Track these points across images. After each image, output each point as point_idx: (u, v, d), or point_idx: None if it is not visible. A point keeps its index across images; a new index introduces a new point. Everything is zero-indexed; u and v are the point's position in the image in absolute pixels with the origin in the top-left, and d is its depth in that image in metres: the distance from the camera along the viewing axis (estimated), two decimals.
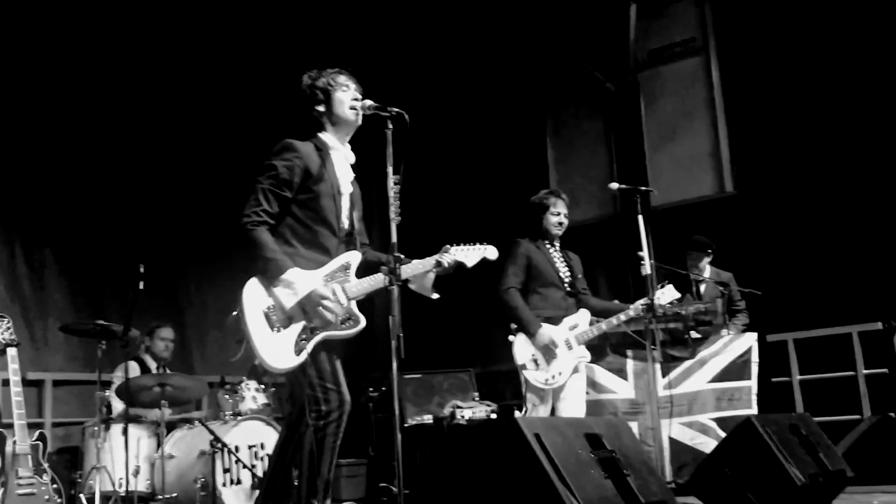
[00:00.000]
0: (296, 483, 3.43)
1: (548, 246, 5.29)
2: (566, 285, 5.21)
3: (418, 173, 4.27)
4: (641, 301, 5.19)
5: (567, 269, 5.25)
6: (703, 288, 7.04)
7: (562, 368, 5.00)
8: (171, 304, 7.84)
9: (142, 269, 5.35)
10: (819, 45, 7.71)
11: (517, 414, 5.40)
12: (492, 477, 2.67)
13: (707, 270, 6.96)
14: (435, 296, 3.75)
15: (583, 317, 5.19)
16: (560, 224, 5.32)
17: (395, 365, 3.23)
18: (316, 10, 7.99)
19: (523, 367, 4.96)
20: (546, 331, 5.00)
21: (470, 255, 3.85)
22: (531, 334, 4.98)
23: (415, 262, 3.65)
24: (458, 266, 3.82)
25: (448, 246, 3.75)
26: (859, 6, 7.52)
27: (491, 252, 3.96)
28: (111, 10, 7.31)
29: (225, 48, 8.08)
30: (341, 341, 3.55)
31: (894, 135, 7.30)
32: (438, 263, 3.66)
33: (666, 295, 5.31)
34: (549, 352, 4.96)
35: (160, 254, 7.47)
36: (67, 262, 7.15)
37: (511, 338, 5.15)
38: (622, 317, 5.18)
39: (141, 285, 5.34)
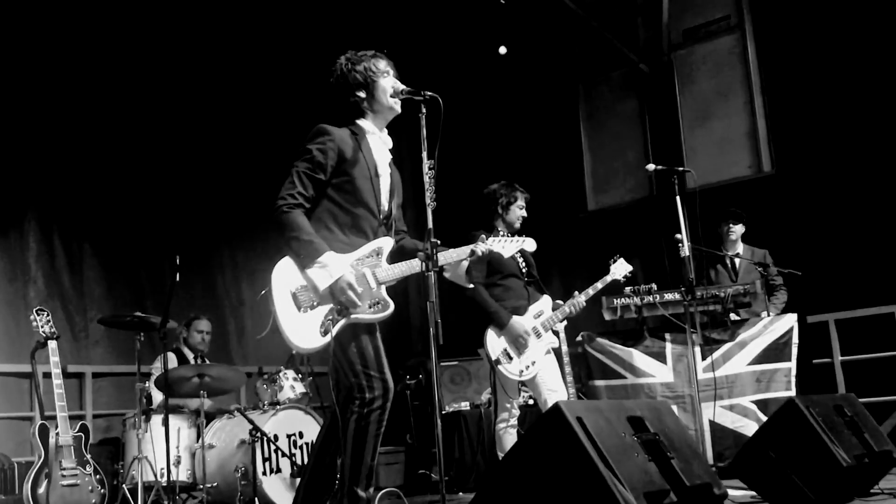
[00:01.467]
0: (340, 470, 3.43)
1: (504, 236, 5.25)
2: (524, 275, 5.19)
3: (452, 160, 4.26)
4: (579, 298, 5.19)
5: (523, 259, 5.21)
6: (737, 263, 6.94)
7: (534, 357, 4.96)
8: (208, 296, 7.89)
9: (178, 261, 5.38)
10: (857, 20, 7.55)
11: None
12: (534, 462, 2.64)
13: (740, 247, 6.87)
14: (469, 284, 3.73)
15: (545, 303, 5.16)
16: (521, 218, 5.32)
17: (434, 352, 3.21)
18: None
19: (497, 361, 4.90)
20: (518, 320, 4.97)
21: (507, 246, 3.87)
22: (502, 325, 4.93)
23: (450, 250, 3.63)
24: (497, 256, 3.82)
25: (483, 234, 3.73)
26: None
27: (529, 244, 3.99)
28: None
29: (258, 34, 8.07)
30: (398, 327, 3.55)
31: None
32: (473, 252, 3.64)
33: (619, 269, 5.32)
34: (519, 342, 4.92)
35: (197, 245, 7.55)
36: (106, 255, 7.22)
37: (480, 350, 5.08)
38: (567, 309, 5.15)
39: (178, 277, 5.37)
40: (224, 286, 8.14)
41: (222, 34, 7.91)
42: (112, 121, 7.35)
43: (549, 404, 4.92)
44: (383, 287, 3.51)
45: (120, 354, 7.09)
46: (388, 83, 3.60)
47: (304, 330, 3.36)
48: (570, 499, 2.48)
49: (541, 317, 5.09)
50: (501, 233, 5.17)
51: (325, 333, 3.35)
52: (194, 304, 7.08)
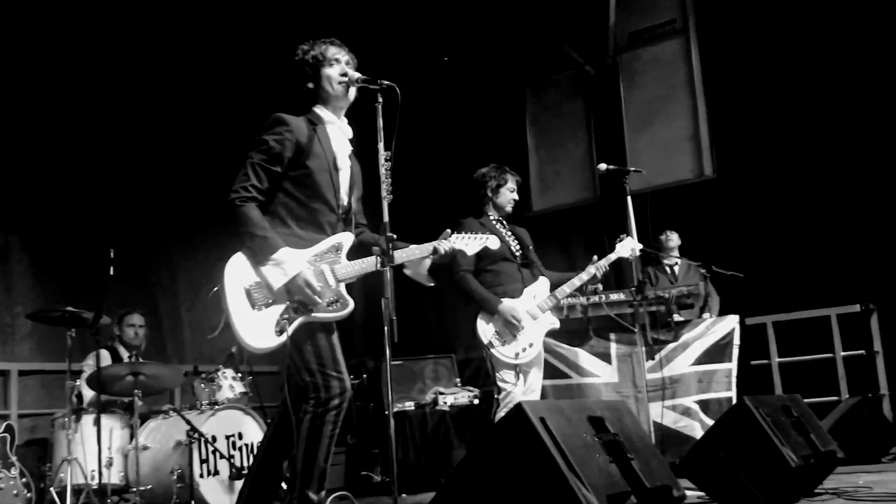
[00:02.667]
0: (288, 475, 3.30)
1: (494, 221, 5.13)
2: (518, 258, 5.07)
3: (408, 153, 4.16)
4: (599, 262, 5.08)
5: (516, 241, 5.11)
6: (677, 270, 7.11)
7: (532, 339, 4.86)
8: (143, 291, 7.61)
9: (112, 255, 5.18)
10: (799, 27, 7.71)
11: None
12: (496, 462, 2.56)
13: (676, 255, 7.07)
14: (431, 283, 3.62)
15: (542, 285, 5.05)
16: (513, 201, 5.21)
17: (388, 350, 3.12)
18: None
19: (490, 345, 4.79)
20: (508, 304, 4.85)
21: (471, 243, 3.76)
22: (492, 311, 4.83)
23: (412, 246, 3.52)
24: (459, 254, 3.73)
25: (448, 231, 3.62)
26: None
27: (493, 241, 3.87)
28: None
29: (211, 17, 7.79)
30: (343, 325, 3.43)
31: (873, 118, 7.32)
32: (435, 250, 3.54)
33: (626, 246, 5.18)
34: (511, 326, 4.80)
35: (131, 238, 7.25)
36: (35, 248, 6.91)
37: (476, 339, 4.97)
38: (584, 276, 5.05)
39: (111, 271, 5.17)
40: (160, 282, 7.87)
41: (166, 16, 7.61)
42: (43, 108, 7.03)
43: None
44: (342, 284, 3.39)
45: (49, 351, 6.79)
46: (336, 71, 3.48)
47: (259, 329, 3.23)
48: (533, 500, 2.41)
49: (536, 298, 4.97)
50: (492, 218, 5.12)
51: (280, 333, 3.22)
52: (128, 299, 6.81)
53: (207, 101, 7.98)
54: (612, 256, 5.14)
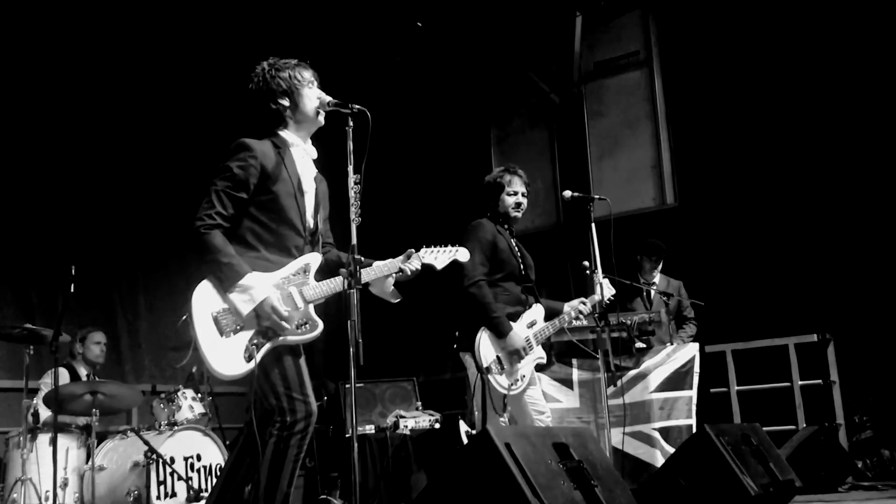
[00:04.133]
0: (249, 499, 3.26)
1: (506, 230, 4.80)
2: (522, 278, 4.75)
3: (377, 176, 4.15)
4: (588, 299, 4.95)
5: (521, 259, 4.79)
6: (651, 294, 7.09)
7: (524, 372, 4.57)
8: (102, 310, 7.48)
9: (73, 272, 5.12)
10: (759, 59, 7.88)
11: (463, 425, 5.21)
12: (461, 487, 2.57)
13: (657, 277, 7.03)
14: (397, 299, 3.60)
15: (539, 313, 4.76)
16: (518, 205, 4.80)
17: (353, 373, 3.10)
18: (269, 8, 7.80)
19: (488, 370, 4.42)
20: (518, 331, 4.54)
21: (440, 257, 3.69)
22: (502, 334, 4.47)
23: (377, 264, 3.50)
24: (427, 269, 3.64)
25: (412, 251, 3.60)
26: (798, 22, 7.69)
27: (462, 254, 3.78)
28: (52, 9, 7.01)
29: (172, 40, 7.81)
30: (305, 347, 3.41)
31: (831, 150, 7.49)
32: (402, 271, 3.52)
33: (605, 290, 5.02)
34: (516, 355, 4.51)
35: (92, 257, 7.17)
36: None
37: (463, 354, 4.66)
38: (573, 312, 4.85)
39: (72, 288, 5.10)
40: (119, 300, 7.75)
41: (132, 37, 7.61)
42: (8, 125, 6.94)
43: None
44: (311, 306, 3.38)
45: (5, 369, 6.66)
46: (314, 94, 3.49)
47: (228, 356, 3.20)
48: None
49: (534, 327, 4.68)
50: (505, 226, 4.78)
51: (249, 359, 3.20)
52: (86, 318, 6.71)
53: (174, 121, 7.97)
54: (596, 298, 4.95)
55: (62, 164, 7.28)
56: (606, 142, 8.79)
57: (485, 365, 4.46)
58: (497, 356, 4.52)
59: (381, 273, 3.49)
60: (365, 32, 8.39)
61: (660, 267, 7.07)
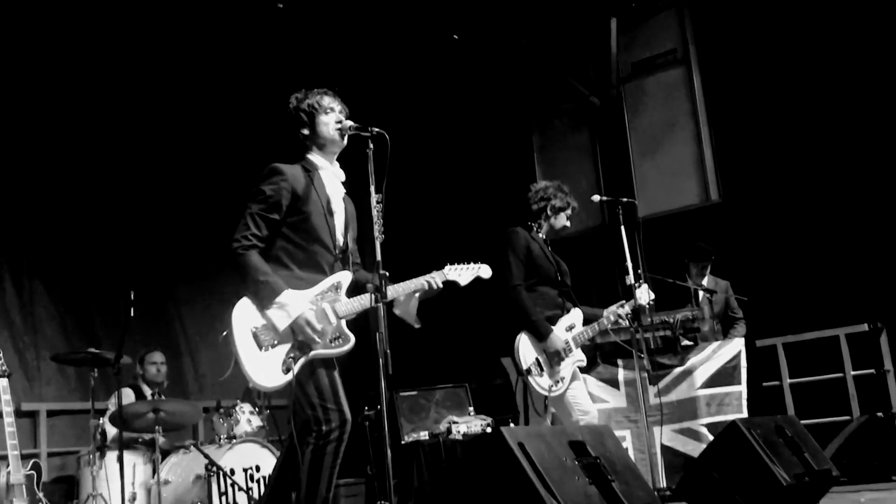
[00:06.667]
0: None
1: (543, 238, 5.01)
2: (559, 284, 4.92)
3: (407, 194, 4.31)
4: (627, 303, 5.05)
5: (556, 265, 4.97)
6: (701, 296, 7.11)
7: (564, 374, 4.69)
8: (162, 331, 7.84)
9: (133, 297, 5.38)
10: (798, 52, 7.83)
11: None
12: (480, 488, 2.71)
13: (706, 279, 7.07)
14: (417, 325, 3.74)
15: (577, 316, 4.91)
16: (565, 227, 5.09)
17: (382, 382, 3.27)
18: (304, 31, 8.03)
19: (528, 371, 4.57)
20: (559, 333, 4.69)
21: (464, 274, 3.88)
22: (542, 336, 4.63)
23: (403, 283, 3.65)
24: (452, 285, 3.83)
25: (435, 272, 3.76)
26: (837, 13, 7.63)
27: (485, 271, 3.96)
28: (104, 25, 7.32)
29: (211, 69, 8.12)
30: (340, 359, 3.61)
31: (876, 139, 7.41)
32: (428, 285, 3.68)
33: (643, 295, 5.15)
34: (557, 357, 4.66)
35: (150, 281, 7.52)
36: (57, 293, 7.18)
37: (504, 359, 4.88)
38: (611, 317, 4.97)
39: (132, 312, 5.37)
40: (178, 322, 8.10)
41: (173, 69, 7.94)
42: (64, 158, 7.35)
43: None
44: (343, 321, 3.58)
45: (75, 392, 7.03)
46: (331, 118, 3.70)
47: (267, 368, 3.41)
48: None
49: (572, 330, 4.83)
50: (541, 235, 5.00)
51: (287, 371, 3.41)
52: (148, 340, 7.05)
53: (216, 147, 8.30)
54: (635, 303, 5.06)
55: (120, 195, 7.66)
56: (648, 141, 8.82)
57: (524, 367, 4.62)
58: (536, 358, 4.67)
59: (407, 290, 3.66)
60: (404, 45, 8.57)
61: (708, 270, 7.12)
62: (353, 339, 3.59)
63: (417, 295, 3.73)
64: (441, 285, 3.73)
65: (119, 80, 7.67)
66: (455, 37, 8.32)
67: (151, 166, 7.94)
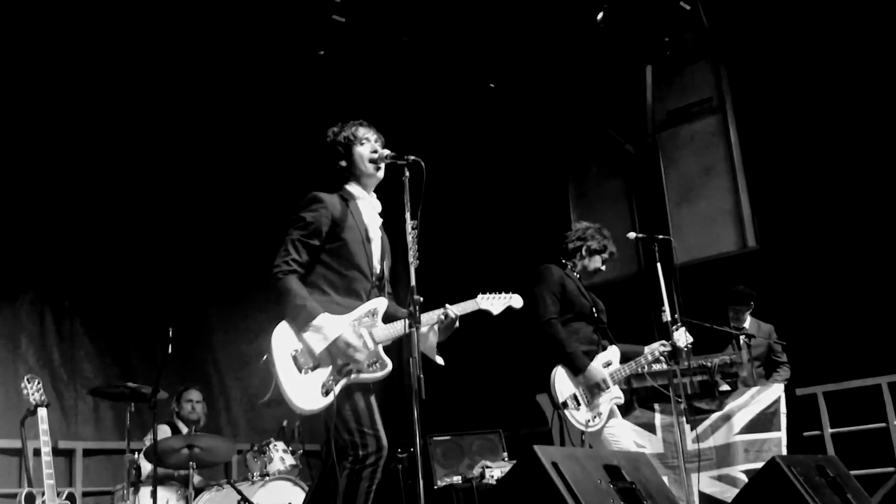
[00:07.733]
0: None
1: (577, 275, 5.03)
2: (595, 320, 4.92)
3: (445, 233, 4.34)
4: (662, 342, 5.04)
5: (592, 302, 4.97)
6: (741, 341, 7.04)
7: (602, 409, 4.66)
8: (197, 369, 7.87)
9: (170, 333, 5.45)
10: (832, 100, 7.83)
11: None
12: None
13: (748, 321, 7.01)
14: (440, 360, 3.73)
15: (614, 354, 4.88)
16: (598, 271, 5.09)
17: (416, 407, 3.26)
18: (346, 77, 8.20)
19: (564, 405, 4.53)
20: (597, 367, 4.66)
21: (496, 303, 3.90)
22: (580, 369, 4.62)
23: (426, 313, 3.65)
24: (485, 314, 3.86)
25: (448, 305, 3.75)
26: (870, 62, 7.64)
27: (516, 300, 3.97)
28: (144, 65, 7.47)
29: (248, 100, 8.25)
30: (378, 385, 3.62)
31: None
32: (446, 315, 3.67)
33: (681, 338, 5.11)
34: (596, 390, 4.63)
35: (185, 319, 7.59)
36: (96, 331, 7.25)
37: (539, 396, 4.79)
38: (655, 353, 4.96)
39: (170, 349, 5.43)
40: (212, 360, 8.16)
41: (216, 102, 8.07)
42: (104, 201, 7.48)
43: None
44: (380, 346, 3.60)
45: (111, 431, 7.08)
46: (366, 150, 3.79)
47: (306, 391, 3.44)
48: None
49: (609, 367, 4.80)
50: (571, 269, 5.03)
51: (326, 393, 3.44)
52: (181, 376, 7.09)
53: (254, 181, 8.45)
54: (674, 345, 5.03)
55: (158, 234, 7.78)
56: (683, 188, 8.82)
57: (561, 400, 4.58)
58: (574, 392, 4.63)
59: (429, 321, 3.66)
60: (446, 92, 8.75)
61: (749, 312, 7.07)
62: (390, 364, 3.62)
63: (437, 327, 3.72)
64: (456, 315, 3.71)
65: (156, 108, 7.78)
66: (492, 85, 8.45)
67: (189, 208, 8.06)
